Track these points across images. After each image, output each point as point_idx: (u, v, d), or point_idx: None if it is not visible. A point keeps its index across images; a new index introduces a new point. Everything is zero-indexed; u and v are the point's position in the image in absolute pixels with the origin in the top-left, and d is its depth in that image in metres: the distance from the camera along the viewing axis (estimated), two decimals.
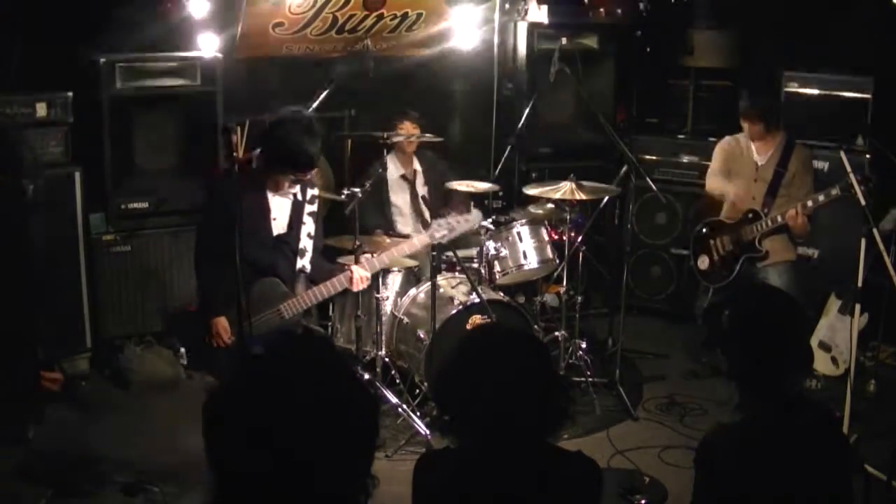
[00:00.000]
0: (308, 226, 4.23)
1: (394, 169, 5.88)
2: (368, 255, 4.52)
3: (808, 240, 5.45)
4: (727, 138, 5.65)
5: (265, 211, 4.19)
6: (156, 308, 5.59)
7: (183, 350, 4.83)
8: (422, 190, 5.99)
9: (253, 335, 3.98)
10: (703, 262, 5.60)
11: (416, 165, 5.97)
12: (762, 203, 5.35)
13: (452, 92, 6.70)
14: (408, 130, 5.80)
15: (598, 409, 5.23)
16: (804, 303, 5.13)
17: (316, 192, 4.30)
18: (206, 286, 4.23)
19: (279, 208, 4.21)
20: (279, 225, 4.21)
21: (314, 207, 4.26)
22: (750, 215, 5.38)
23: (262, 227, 4.16)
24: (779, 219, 5.22)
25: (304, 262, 4.25)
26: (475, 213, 4.79)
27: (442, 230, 4.56)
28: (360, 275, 4.35)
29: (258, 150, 4.32)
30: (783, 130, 5.46)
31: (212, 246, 4.15)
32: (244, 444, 1.53)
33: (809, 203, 5.10)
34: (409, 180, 5.93)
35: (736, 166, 5.53)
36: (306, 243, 4.22)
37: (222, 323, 4.12)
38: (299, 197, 4.22)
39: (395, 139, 5.39)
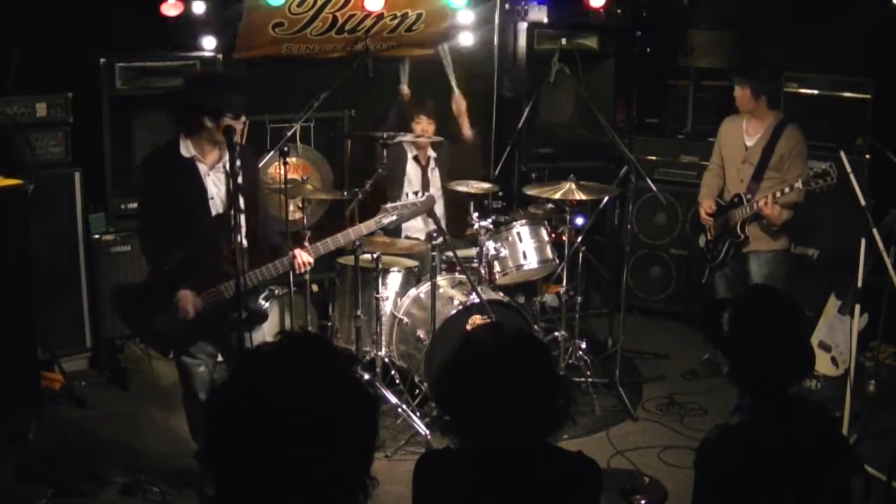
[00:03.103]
0: (238, 200, 3.99)
1: (408, 152, 5.90)
2: (316, 245, 4.38)
3: (781, 229, 5.38)
4: (726, 119, 5.67)
5: (202, 192, 4.07)
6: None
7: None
8: (434, 176, 5.96)
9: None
10: (702, 240, 5.68)
11: (430, 153, 5.96)
12: (747, 187, 5.37)
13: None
14: (423, 127, 5.80)
15: (598, 410, 5.23)
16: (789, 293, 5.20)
17: (238, 161, 4.03)
18: (163, 260, 4.07)
19: (215, 186, 4.09)
20: (217, 205, 4.08)
21: (238, 179, 3.99)
22: (735, 199, 5.41)
23: (200, 208, 4.05)
24: (756, 206, 5.23)
25: (240, 238, 4.00)
26: (427, 196, 4.69)
27: (389, 216, 4.46)
28: (302, 259, 4.24)
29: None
30: (777, 112, 5.45)
31: (160, 224, 4.06)
32: (244, 444, 1.53)
33: (778, 194, 5.11)
34: (422, 165, 5.93)
35: (727, 147, 5.56)
36: (241, 218, 4.05)
37: (190, 296, 3.97)
38: (227, 166, 4.08)
39: (398, 140, 5.40)
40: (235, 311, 3.84)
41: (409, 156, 5.92)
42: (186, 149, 4.05)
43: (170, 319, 4.00)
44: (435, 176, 5.96)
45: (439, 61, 6.37)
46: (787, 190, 5.07)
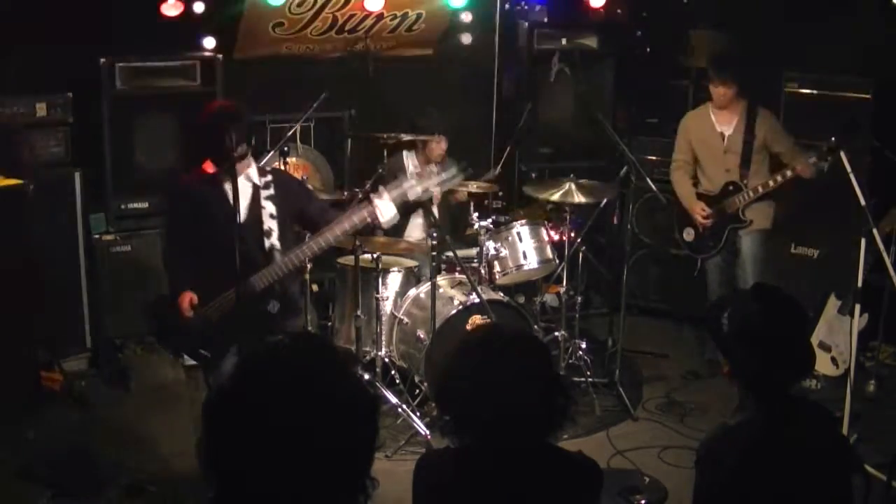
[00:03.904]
0: (269, 208, 4.16)
1: (411, 167, 5.87)
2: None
3: (770, 208, 5.57)
4: (689, 114, 5.77)
5: (225, 203, 4.07)
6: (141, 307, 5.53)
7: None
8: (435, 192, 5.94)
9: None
10: (689, 235, 5.71)
11: (433, 168, 5.93)
12: (739, 174, 5.47)
13: (452, 92, 6.70)
14: (442, 146, 5.78)
15: (598, 409, 5.22)
16: (768, 268, 5.47)
17: (270, 178, 4.19)
18: (174, 271, 4.18)
19: (241, 197, 4.08)
20: (241, 214, 4.07)
21: (271, 191, 4.17)
22: (731, 187, 5.48)
23: (224, 219, 4.04)
24: (759, 189, 5.38)
25: (272, 241, 4.14)
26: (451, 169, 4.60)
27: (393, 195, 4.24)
28: (379, 204, 4.12)
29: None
30: (743, 99, 5.52)
31: (180, 242, 4.15)
32: (243, 445, 1.53)
33: (789, 173, 5.27)
34: None
35: (701, 141, 5.61)
36: (270, 224, 4.14)
37: (188, 296, 4.03)
38: (257, 181, 4.15)
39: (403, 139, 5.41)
40: (263, 303, 3.98)
41: (412, 172, 5.87)
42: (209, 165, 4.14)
43: (190, 325, 4.04)
44: (437, 192, 5.95)
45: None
46: (799, 168, 5.20)
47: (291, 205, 4.24)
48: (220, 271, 4.04)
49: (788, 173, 5.28)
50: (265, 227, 4.13)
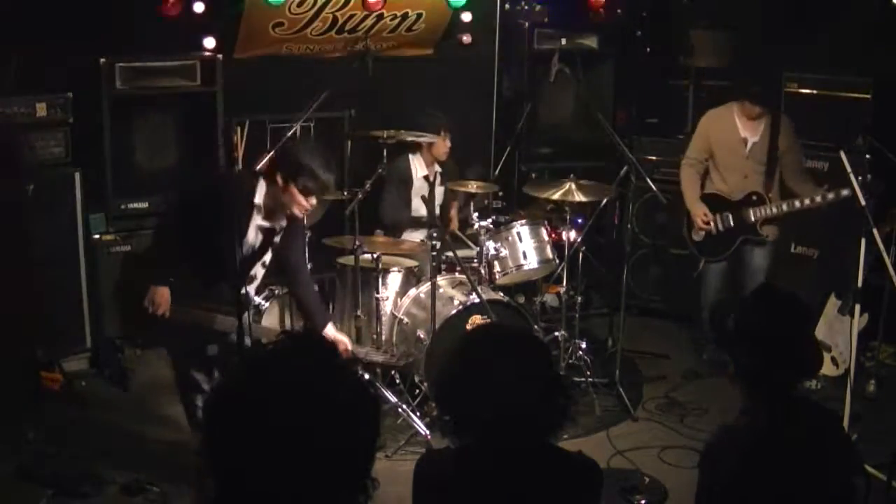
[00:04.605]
0: (266, 257, 4.16)
1: (418, 168, 5.90)
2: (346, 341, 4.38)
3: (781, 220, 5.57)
4: (710, 113, 5.67)
5: (248, 219, 4.08)
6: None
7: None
8: (439, 191, 5.97)
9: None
10: (699, 235, 5.66)
11: (437, 167, 5.97)
12: (763, 185, 5.41)
13: (452, 92, 6.70)
14: (447, 144, 5.81)
15: (598, 409, 5.22)
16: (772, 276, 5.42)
17: (284, 223, 4.17)
18: (163, 257, 4.11)
19: (255, 235, 4.12)
20: (246, 250, 4.08)
21: (277, 239, 4.17)
22: (754, 197, 5.42)
23: (240, 231, 4.03)
24: (784, 207, 5.32)
25: (250, 289, 4.14)
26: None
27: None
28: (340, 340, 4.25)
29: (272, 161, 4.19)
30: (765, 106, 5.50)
31: (190, 229, 4.01)
32: (244, 444, 1.53)
33: (831, 196, 5.17)
34: (430, 182, 5.93)
35: (721, 142, 5.54)
36: (258, 271, 4.15)
37: (163, 293, 3.99)
38: (276, 226, 4.14)
39: (405, 139, 5.42)
40: (216, 344, 3.95)
41: (419, 174, 5.89)
42: (260, 194, 4.07)
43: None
44: (440, 192, 5.96)
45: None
46: (830, 196, 5.13)
47: (282, 254, 4.22)
48: (205, 281, 4.01)
49: (831, 195, 5.15)
50: (252, 271, 4.09)
